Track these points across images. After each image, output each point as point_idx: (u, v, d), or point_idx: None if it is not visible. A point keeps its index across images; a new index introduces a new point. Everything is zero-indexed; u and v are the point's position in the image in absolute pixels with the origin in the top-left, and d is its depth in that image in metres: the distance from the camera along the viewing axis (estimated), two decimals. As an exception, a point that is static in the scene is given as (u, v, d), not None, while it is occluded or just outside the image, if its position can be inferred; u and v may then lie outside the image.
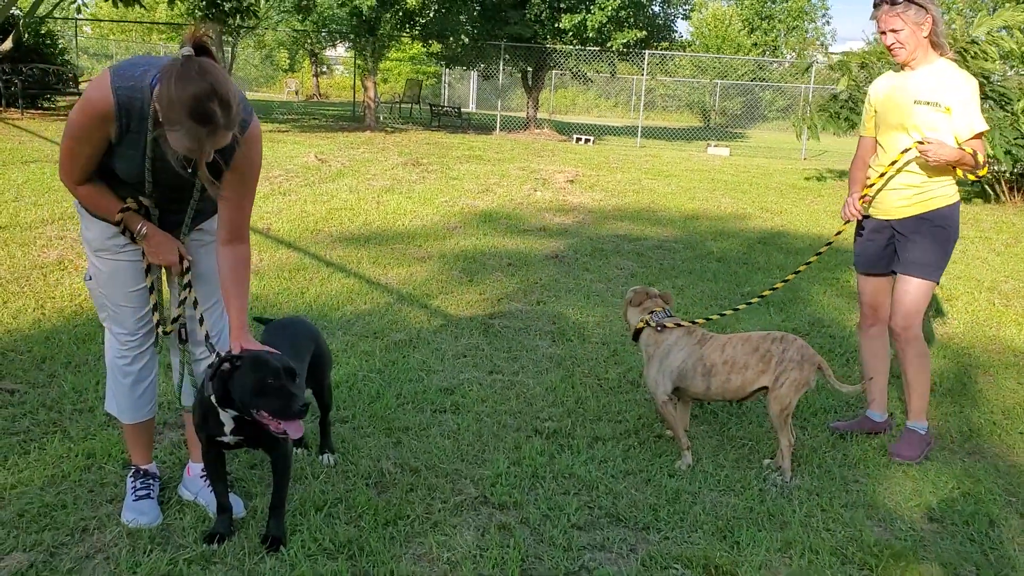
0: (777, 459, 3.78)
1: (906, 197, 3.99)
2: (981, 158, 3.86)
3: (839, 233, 4.39)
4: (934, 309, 6.68)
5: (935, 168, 3.89)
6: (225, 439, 2.85)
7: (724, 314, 4.20)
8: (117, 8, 19.15)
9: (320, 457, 3.58)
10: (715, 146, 23.47)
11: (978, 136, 3.85)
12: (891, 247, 4.13)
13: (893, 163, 3.95)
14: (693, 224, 10.21)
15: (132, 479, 3.18)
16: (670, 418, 3.81)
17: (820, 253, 4.40)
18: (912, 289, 4.01)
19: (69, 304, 5.38)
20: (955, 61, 3.99)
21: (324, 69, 50.08)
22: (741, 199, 12.76)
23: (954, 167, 3.88)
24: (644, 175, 15.25)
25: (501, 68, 25.29)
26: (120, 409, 3.13)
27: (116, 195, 2.80)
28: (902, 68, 4.01)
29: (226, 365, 2.68)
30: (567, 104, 43.78)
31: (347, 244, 7.75)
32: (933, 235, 3.97)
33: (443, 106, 28.45)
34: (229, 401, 2.72)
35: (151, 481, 3.20)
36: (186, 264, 2.93)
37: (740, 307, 4.53)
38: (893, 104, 4.01)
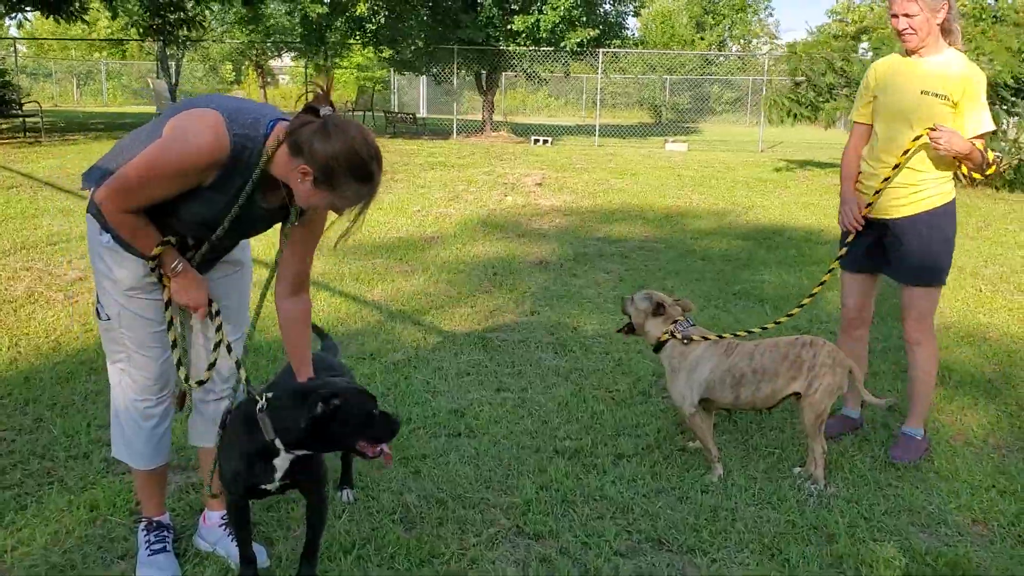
0: (809, 466, 3.68)
1: (902, 196, 3.80)
2: (991, 156, 3.73)
3: (845, 246, 4.05)
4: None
5: (936, 164, 3.74)
6: (271, 486, 2.64)
7: (752, 331, 4.03)
8: (59, 24, 18.63)
9: (339, 494, 3.39)
10: (673, 141, 23.54)
11: (981, 136, 3.69)
12: (881, 246, 3.96)
13: (901, 158, 3.73)
14: (670, 223, 10.14)
15: (145, 532, 2.96)
16: (699, 431, 3.69)
17: (832, 271, 4.13)
18: (918, 295, 3.88)
19: (45, 340, 5.11)
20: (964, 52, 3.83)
21: (270, 80, 49.48)
22: (711, 195, 12.75)
23: (960, 162, 3.71)
24: (610, 174, 15.18)
25: (455, 72, 25.11)
26: (134, 455, 2.88)
27: (156, 228, 2.58)
28: (909, 54, 3.80)
29: (320, 407, 2.47)
30: (517, 105, 43.70)
31: (325, 260, 7.52)
32: (930, 238, 3.80)
33: (398, 113, 28.17)
34: (319, 441, 2.53)
35: (165, 533, 2.98)
36: (215, 307, 2.74)
37: (769, 326, 4.23)
38: (897, 92, 3.80)
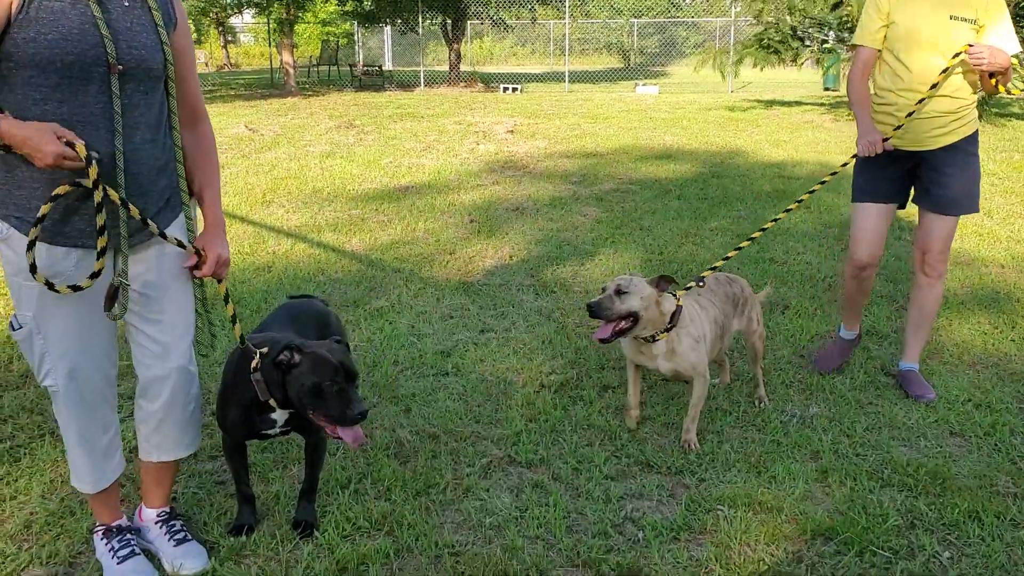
0: (760, 390, 3.80)
1: (941, 125, 3.63)
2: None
3: (845, 165, 3.99)
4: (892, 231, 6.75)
5: (969, 89, 3.62)
6: (272, 431, 2.67)
7: (727, 258, 4.00)
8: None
9: None
10: (643, 85, 23.43)
11: (1015, 57, 3.57)
12: (909, 179, 3.80)
13: (935, 86, 3.54)
14: (643, 164, 10.16)
15: (104, 540, 2.66)
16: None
17: (824, 181, 4.04)
18: (950, 225, 3.76)
19: (24, 300, 5.07)
20: None
21: (231, 38, 48.47)
22: (683, 135, 12.75)
23: (994, 80, 3.56)
24: (582, 119, 15.13)
25: (420, 22, 24.77)
26: (92, 477, 2.58)
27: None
28: None
29: (285, 355, 2.45)
30: (484, 55, 43.19)
31: (301, 213, 7.49)
32: (969, 164, 3.69)
33: (364, 66, 27.79)
34: (285, 399, 2.53)
35: (129, 535, 2.67)
36: (80, 149, 2.10)
37: (768, 225, 4.00)
38: (923, 17, 3.58)
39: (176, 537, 2.69)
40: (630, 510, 2.94)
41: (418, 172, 9.65)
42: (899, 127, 3.64)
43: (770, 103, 18.20)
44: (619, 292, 3.22)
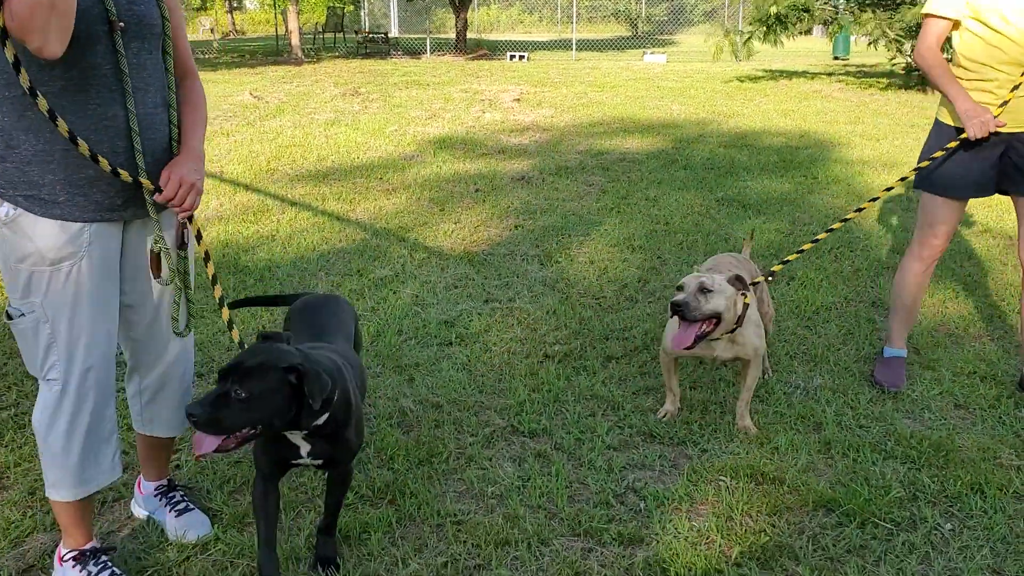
0: (765, 363, 3.75)
1: None
2: None
3: (934, 159, 3.46)
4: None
5: None
6: (302, 461, 2.31)
7: (802, 250, 3.75)
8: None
9: None
10: (651, 54, 23.21)
11: None
12: (997, 166, 3.42)
13: None
14: (650, 134, 10.08)
15: (78, 566, 2.42)
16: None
17: (904, 179, 3.65)
18: None
19: (29, 267, 5.07)
20: None
21: (236, 4, 48.08)
22: (690, 104, 12.65)
23: None
24: (589, 88, 15.01)
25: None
26: (76, 481, 2.33)
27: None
28: None
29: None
30: (490, 23, 42.82)
31: (306, 182, 7.46)
32: None
33: (370, 33, 27.59)
34: None
35: (104, 557, 2.46)
36: None
37: (816, 240, 3.69)
38: None
39: (177, 508, 2.70)
40: (632, 480, 2.94)
41: (423, 140, 9.60)
42: (1004, 103, 3.27)
43: (778, 72, 18.02)
44: (703, 290, 2.98)
